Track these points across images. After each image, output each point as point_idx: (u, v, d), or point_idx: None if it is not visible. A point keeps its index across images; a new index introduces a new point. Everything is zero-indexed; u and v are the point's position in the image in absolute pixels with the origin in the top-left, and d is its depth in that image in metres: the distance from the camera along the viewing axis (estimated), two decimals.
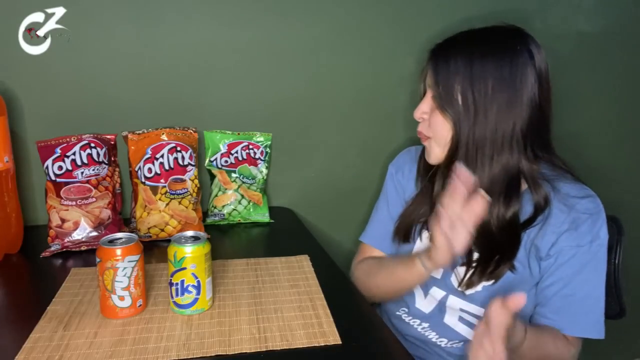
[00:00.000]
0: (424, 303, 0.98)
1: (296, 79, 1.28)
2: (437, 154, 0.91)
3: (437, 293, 0.95)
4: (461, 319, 0.95)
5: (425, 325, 0.98)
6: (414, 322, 1.00)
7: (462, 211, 0.76)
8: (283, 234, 1.21)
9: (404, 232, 1.00)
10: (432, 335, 0.97)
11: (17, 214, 1.05)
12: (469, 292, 0.91)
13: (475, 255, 0.89)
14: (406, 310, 1.01)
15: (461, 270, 0.91)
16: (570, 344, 0.87)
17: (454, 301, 0.94)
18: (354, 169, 1.36)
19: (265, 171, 1.27)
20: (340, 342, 0.75)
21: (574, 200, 0.86)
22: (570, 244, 0.84)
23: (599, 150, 1.51)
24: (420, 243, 0.98)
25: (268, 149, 1.26)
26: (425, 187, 0.98)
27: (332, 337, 0.76)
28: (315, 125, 1.32)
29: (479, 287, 0.90)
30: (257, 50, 1.24)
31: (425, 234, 0.97)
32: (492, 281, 0.88)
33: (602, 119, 1.50)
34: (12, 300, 0.91)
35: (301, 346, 0.74)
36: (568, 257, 0.84)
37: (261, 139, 1.26)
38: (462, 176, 0.76)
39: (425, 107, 0.91)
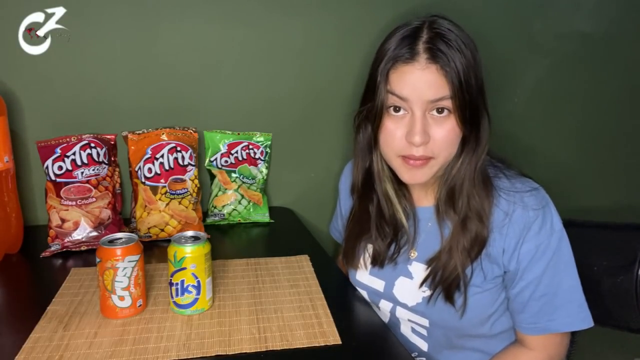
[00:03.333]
0: (381, 315, 0.93)
1: (296, 79, 1.28)
2: (429, 174, 0.82)
3: (385, 305, 0.93)
4: (414, 330, 0.92)
5: None
6: None
7: None
8: (283, 234, 1.21)
9: (351, 258, 0.95)
10: None
11: (17, 214, 1.05)
12: (411, 304, 0.89)
13: (418, 273, 0.87)
14: None
15: (406, 283, 0.89)
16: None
17: (401, 312, 0.91)
18: None
19: (265, 171, 1.27)
20: (340, 342, 0.75)
21: (518, 196, 0.81)
22: (528, 246, 0.80)
23: (599, 151, 1.51)
24: (365, 270, 0.94)
25: (268, 149, 1.26)
26: (362, 206, 0.94)
27: (332, 337, 0.76)
28: (315, 125, 1.32)
29: (419, 299, 0.87)
30: (257, 50, 1.24)
31: (367, 257, 0.94)
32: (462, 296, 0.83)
33: (603, 119, 1.50)
34: (12, 300, 0.91)
35: (301, 346, 0.74)
36: (529, 258, 0.81)
37: (261, 139, 1.26)
38: None
39: (429, 128, 0.79)
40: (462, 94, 0.77)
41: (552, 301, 0.82)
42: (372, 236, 0.91)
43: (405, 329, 0.94)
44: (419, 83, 0.77)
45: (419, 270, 0.88)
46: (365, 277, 0.94)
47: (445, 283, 0.83)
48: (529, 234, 0.80)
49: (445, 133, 0.79)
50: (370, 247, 0.93)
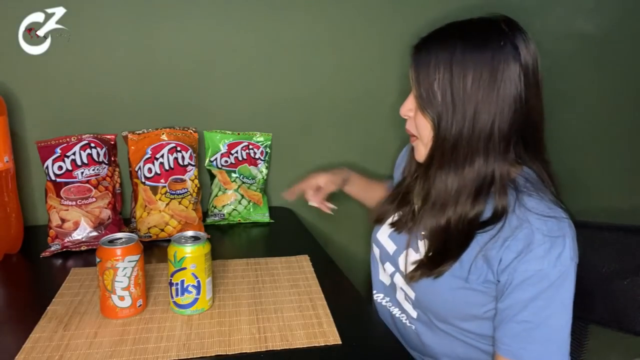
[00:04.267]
0: (384, 276, 0.99)
1: (296, 79, 1.28)
2: (422, 153, 0.88)
3: (389, 268, 0.97)
4: (405, 299, 0.94)
5: (387, 299, 1.00)
6: (378, 296, 1.01)
7: None
8: (283, 234, 1.21)
9: (378, 215, 1.02)
10: (395, 312, 0.97)
11: (17, 214, 1.05)
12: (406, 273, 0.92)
13: (423, 248, 0.89)
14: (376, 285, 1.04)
15: (411, 255, 0.92)
16: None
17: (398, 279, 0.94)
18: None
19: (265, 171, 1.27)
20: (340, 342, 0.75)
21: (533, 217, 0.78)
22: (525, 267, 0.77)
23: (600, 151, 1.51)
24: (385, 226, 1.00)
25: (268, 149, 1.26)
26: (403, 181, 1.00)
27: (332, 337, 0.76)
28: (315, 125, 1.32)
29: None
30: (257, 50, 1.24)
31: (387, 223, 1.00)
32: (434, 276, 0.85)
33: (603, 119, 1.50)
34: (12, 300, 0.91)
35: (301, 346, 0.74)
36: (522, 278, 0.77)
37: (261, 139, 1.26)
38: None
39: (410, 105, 0.88)
40: (417, 85, 0.83)
41: (533, 331, 0.78)
42: (401, 202, 0.97)
43: (400, 295, 0.96)
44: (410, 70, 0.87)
45: (425, 248, 0.90)
46: (384, 237, 0.99)
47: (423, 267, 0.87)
48: (530, 254, 0.77)
49: (418, 117, 0.86)
50: (397, 214, 0.99)
